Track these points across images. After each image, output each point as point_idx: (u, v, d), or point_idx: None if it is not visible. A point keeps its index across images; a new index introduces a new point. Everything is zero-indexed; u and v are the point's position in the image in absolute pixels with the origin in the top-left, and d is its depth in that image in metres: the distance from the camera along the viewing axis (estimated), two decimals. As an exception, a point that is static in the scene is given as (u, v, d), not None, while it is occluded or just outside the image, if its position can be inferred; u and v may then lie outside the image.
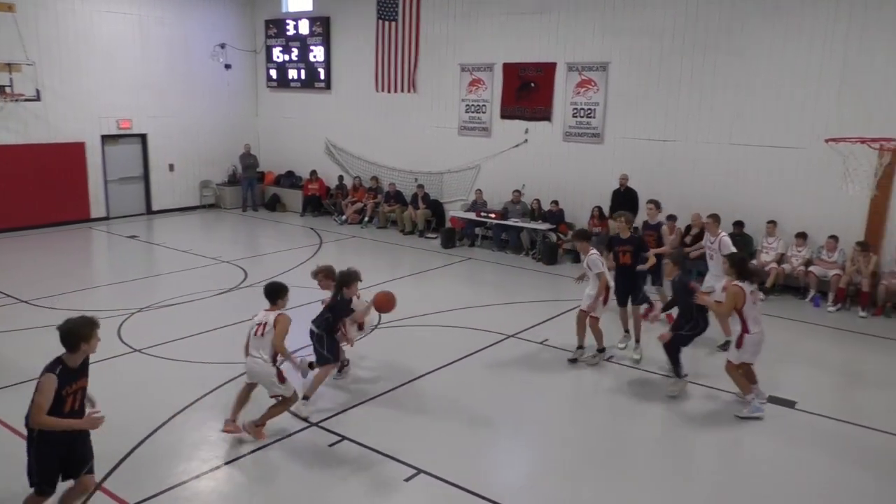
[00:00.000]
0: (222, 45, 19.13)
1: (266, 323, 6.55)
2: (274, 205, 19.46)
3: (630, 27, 13.53)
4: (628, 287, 8.95)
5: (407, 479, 6.08)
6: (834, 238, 11.58)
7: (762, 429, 7.18)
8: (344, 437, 6.73)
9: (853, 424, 7.30)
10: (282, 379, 6.53)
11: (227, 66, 19.33)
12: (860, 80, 11.29)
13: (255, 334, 6.55)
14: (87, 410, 4.86)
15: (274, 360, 6.54)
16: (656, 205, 10.53)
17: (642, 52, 13.46)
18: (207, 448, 6.54)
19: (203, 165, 19.27)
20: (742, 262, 7.48)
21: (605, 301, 8.54)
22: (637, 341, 8.94)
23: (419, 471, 6.18)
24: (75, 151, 16.65)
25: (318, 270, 8.09)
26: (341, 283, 7.45)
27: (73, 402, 4.73)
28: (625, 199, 13.35)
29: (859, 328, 10.55)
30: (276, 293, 6.71)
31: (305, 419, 7.06)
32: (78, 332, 4.66)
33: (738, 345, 7.33)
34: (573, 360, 8.73)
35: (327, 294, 7.91)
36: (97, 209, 17.28)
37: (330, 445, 6.61)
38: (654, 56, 13.33)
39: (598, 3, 13.87)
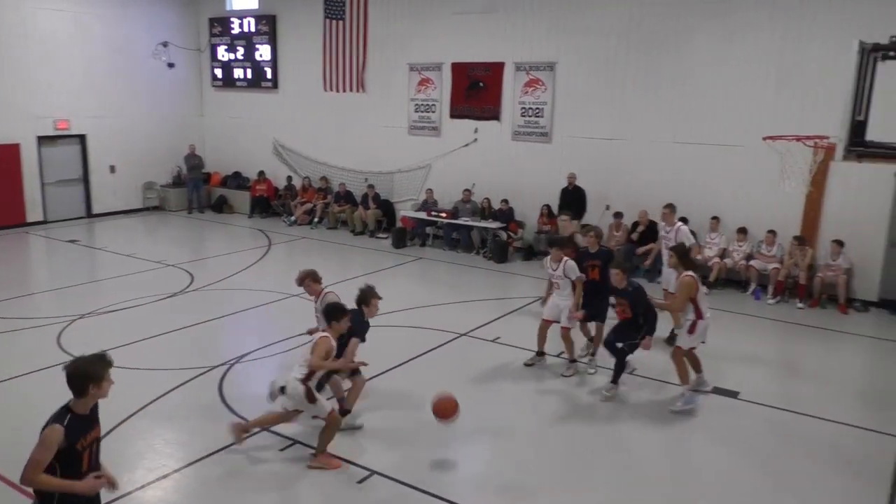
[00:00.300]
0: (165, 44, 18.65)
1: (312, 343, 6.28)
2: (220, 206, 19.08)
3: (576, 27, 13.73)
4: (595, 303, 8.44)
5: (360, 482, 6.05)
6: (772, 233, 11.99)
7: (706, 420, 7.38)
8: (295, 441, 6.65)
9: (793, 412, 7.57)
10: (311, 399, 6.14)
11: (171, 65, 18.87)
12: (795, 80, 11.70)
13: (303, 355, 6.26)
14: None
15: (306, 380, 6.14)
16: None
17: (589, 52, 13.67)
18: (153, 456, 6.38)
19: (146, 167, 18.74)
20: (687, 253, 7.84)
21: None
22: (593, 355, 8.70)
23: (372, 472, 6.15)
24: (9, 153, 16.01)
25: (304, 276, 7.55)
26: (360, 301, 6.89)
27: (90, 456, 4.09)
28: (573, 197, 13.55)
29: (797, 319, 10.94)
30: (329, 314, 6.34)
31: (360, 427, 6.94)
32: (86, 373, 3.98)
33: (692, 331, 7.55)
34: (528, 364, 8.67)
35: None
36: (34, 213, 16.64)
37: (281, 450, 6.53)
38: (601, 56, 13.56)
39: (544, 3, 14.02)
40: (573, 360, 8.54)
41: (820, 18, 11.38)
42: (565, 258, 8.32)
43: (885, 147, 5.91)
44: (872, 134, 5.29)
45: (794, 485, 6.22)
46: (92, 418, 4.11)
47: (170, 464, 6.25)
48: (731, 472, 6.39)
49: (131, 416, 7.05)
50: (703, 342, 7.72)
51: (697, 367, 7.77)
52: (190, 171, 18.67)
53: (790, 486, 6.19)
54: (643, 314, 7.61)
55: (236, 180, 19.41)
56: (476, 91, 15.17)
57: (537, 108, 14.46)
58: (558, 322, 8.46)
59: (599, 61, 13.59)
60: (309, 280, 7.52)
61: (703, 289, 7.85)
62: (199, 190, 18.93)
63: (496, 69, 14.83)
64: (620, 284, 7.61)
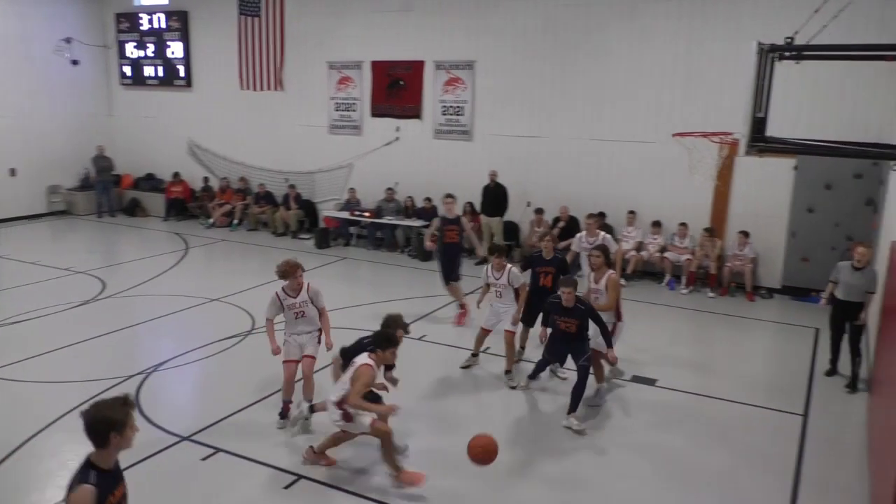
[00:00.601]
0: (67, 40, 17.74)
1: (354, 364, 5.93)
2: (133, 210, 18.31)
3: (494, 26, 13.91)
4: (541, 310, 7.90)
5: (287, 487, 5.95)
6: (684, 225, 12.51)
7: (626, 407, 7.63)
8: (218, 449, 6.47)
9: (707, 397, 7.94)
10: (348, 418, 5.90)
11: (75, 63, 17.96)
12: (701, 78, 12.24)
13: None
14: None
15: (341, 403, 5.89)
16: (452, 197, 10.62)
17: (507, 51, 13.88)
18: (65, 474, 6.03)
19: (51, 169, 17.79)
20: (610, 254, 8.10)
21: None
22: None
23: (299, 476, 6.06)
24: None
25: (294, 266, 6.86)
26: (386, 327, 6.28)
27: None
28: (495, 194, 13.73)
29: (709, 308, 11.47)
30: (380, 342, 5.97)
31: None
32: (107, 420, 3.40)
33: (613, 332, 7.56)
34: (465, 367, 8.59)
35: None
36: (-75, 220, 15.56)
37: (203, 459, 6.34)
38: (518, 55, 13.78)
39: (462, 1, 14.14)
40: (508, 371, 8.18)
41: (721, 20, 11.95)
42: (509, 266, 8.13)
43: (783, 142, 6.27)
44: (772, 130, 5.59)
45: (711, 466, 6.51)
46: (117, 473, 3.61)
47: (83, 480, 5.96)
48: (650, 456, 6.62)
49: (40, 431, 6.70)
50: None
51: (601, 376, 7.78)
52: (99, 173, 17.84)
53: (707, 468, 6.47)
54: (598, 327, 7.27)
55: (150, 182, 18.67)
56: (397, 90, 15.14)
57: (458, 107, 14.57)
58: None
59: (517, 60, 13.81)
60: (299, 271, 6.89)
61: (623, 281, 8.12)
62: (110, 193, 18.10)
63: (416, 68, 14.85)
64: (570, 303, 7.06)
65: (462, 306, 10.08)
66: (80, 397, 7.40)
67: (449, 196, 10.67)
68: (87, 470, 3.44)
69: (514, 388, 8.00)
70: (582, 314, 7.13)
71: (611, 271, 7.76)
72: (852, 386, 8.13)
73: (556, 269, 8.28)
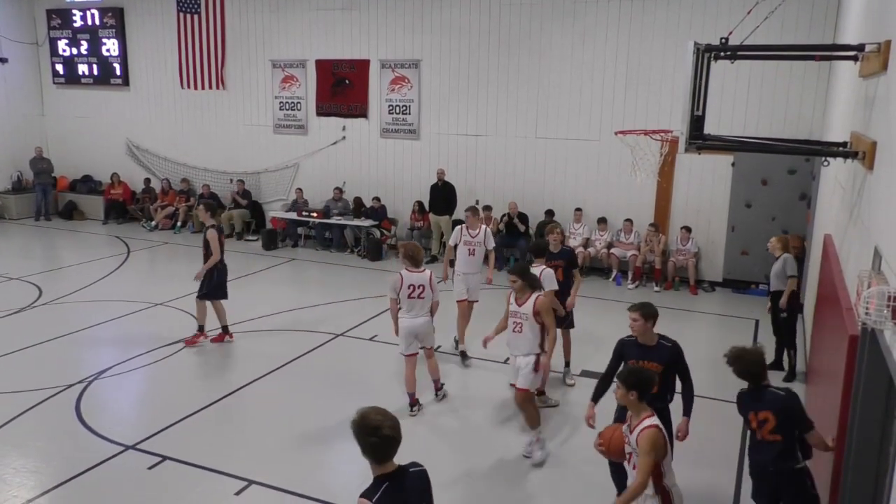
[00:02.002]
0: (-5, 37, 17.05)
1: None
2: (70, 213, 17.67)
3: (438, 25, 13.93)
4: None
5: (238, 493, 5.85)
6: (629, 221, 12.79)
7: (578, 401, 7.75)
8: (165, 457, 6.32)
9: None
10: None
11: (3, 60, 17.24)
12: (641, 77, 12.52)
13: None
14: None
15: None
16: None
17: (451, 50, 13.92)
18: (2, 487, 5.83)
19: (-21, 172, 17.06)
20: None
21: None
22: (567, 365, 8.21)
23: (250, 482, 5.97)
24: None
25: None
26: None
27: None
28: (443, 193, 13.76)
29: (654, 301, 11.48)
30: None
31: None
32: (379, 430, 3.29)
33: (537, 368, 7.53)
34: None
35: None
36: None
37: (149, 468, 6.18)
38: (463, 54, 13.85)
39: (406, 0, 14.12)
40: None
41: (660, 20, 12.25)
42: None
43: (720, 139, 6.48)
44: (709, 128, 5.76)
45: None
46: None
47: (21, 494, 5.75)
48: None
49: (-26, 446, 6.42)
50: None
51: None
52: (37, 175, 17.13)
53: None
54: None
55: (87, 184, 18.06)
56: (342, 88, 15.02)
57: (404, 106, 14.54)
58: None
59: (462, 59, 13.88)
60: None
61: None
62: (48, 196, 17.39)
63: (361, 67, 14.76)
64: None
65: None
66: (18, 408, 7.15)
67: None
68: (378, 485, 3.30)
69: (572, 384, 8.09)
70: (567, 255, 7.76)
71: (538, 293, 6.46)
72: (789, 377, 8.39)
73: (566, 263, 7.85)
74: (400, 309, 7.16)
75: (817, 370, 6.79)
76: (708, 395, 7.98)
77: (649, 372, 4.70)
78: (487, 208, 13.24)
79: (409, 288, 7.05)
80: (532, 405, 6.48)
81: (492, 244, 8.71)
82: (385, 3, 14.29)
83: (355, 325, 9.93)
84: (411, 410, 7.22)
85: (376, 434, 3.25)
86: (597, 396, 5.65)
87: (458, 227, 8.91)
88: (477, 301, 8.85)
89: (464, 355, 8.71)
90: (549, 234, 7.96)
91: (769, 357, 8.81)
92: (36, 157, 17.24)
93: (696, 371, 8.87)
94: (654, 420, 4.35)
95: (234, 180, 16.09)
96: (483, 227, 8.62)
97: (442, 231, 13.77)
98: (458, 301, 8.72)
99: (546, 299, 6.49)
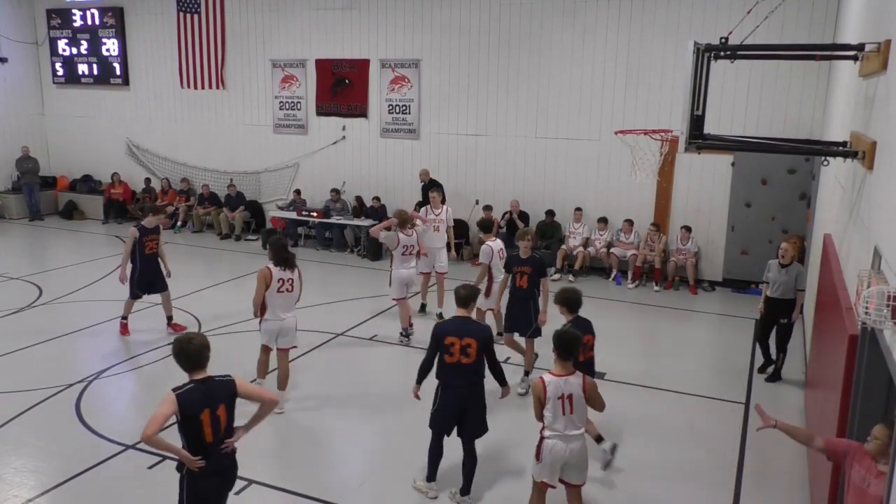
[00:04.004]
0: (-6, 36, 17.04)
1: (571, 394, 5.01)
2: (70, 212, 17.66)
3: (438, 25, 13.93)
4: (518, 313, 7.82)
5: (237, 493, 5.84)
6: (629, 221, 12.78)
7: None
8: (165, 457, 6.30)
9: (654, 388, 8.13)
10: None
11: (3, 60, 17.23)
12: (641, 77, 12.52)
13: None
14: None
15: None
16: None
17: (451, 49, 13.92)
18: (2, 487, 5.84)
19: (-22, 171, 17.05)
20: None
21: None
22: (527, 374, 7.99)
23: (250, 482, 5.97)
24: None
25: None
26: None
27: None
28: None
29: (655, 301, 11.74)
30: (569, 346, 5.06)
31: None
32: None
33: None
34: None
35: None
36: None
37: (149, 467, 6.18)
38: (463, 54, 13.84)
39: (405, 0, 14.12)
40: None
41: (660, 20, 12.25)
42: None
43: (720, 139, 6.48)
44: (709, 127, 5.77)
45: (657, 452, 6.68)
46: None
47: (21, 493, 5.75)
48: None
49: (-26, 446, 6.43)
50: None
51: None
52: (23, 175, 17.08)
53: (652, 455, 6.64)
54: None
55: (87, 184, 18.05)
56: (342, 88, 15.02)
57: (404, 105, 14.54)
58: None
59: (462, 59, 13.87)
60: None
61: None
62: (35, 195, 17.28)
63: (361, 66, 14.75)
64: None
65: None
66: (19, 408, 7.15)
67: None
68: None
69: (523, 393, 7.73)
70: (535, 263, 7.89)
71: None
72: (773, 377, 8.35)
73: (533, 270, 7.72)
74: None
75: (818, 371, 6.79)
76: (708, 395, 8.01)
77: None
78: (488, 208, 13.26)
79: (403, 247, 9.31)
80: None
81: (451, 221, 10.51)
82: (385, 2, 14.29)
83: (355, 325, 9.93)
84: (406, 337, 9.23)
85: (191, 343, 4.31)
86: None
87: (424, 207, 10.76)
88: (446, 272, 10.33)
89: (440, 317, 9.77)
90: (518, 241, 7.85)
91: (757, 362, 8.75)
92: (22, 156, 17.17)
93: (696, 371, 8.92)
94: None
95: (232, 180, 16.08)
96: (444, 206, 10.40)
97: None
98: (423, 273, 10.24)
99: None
